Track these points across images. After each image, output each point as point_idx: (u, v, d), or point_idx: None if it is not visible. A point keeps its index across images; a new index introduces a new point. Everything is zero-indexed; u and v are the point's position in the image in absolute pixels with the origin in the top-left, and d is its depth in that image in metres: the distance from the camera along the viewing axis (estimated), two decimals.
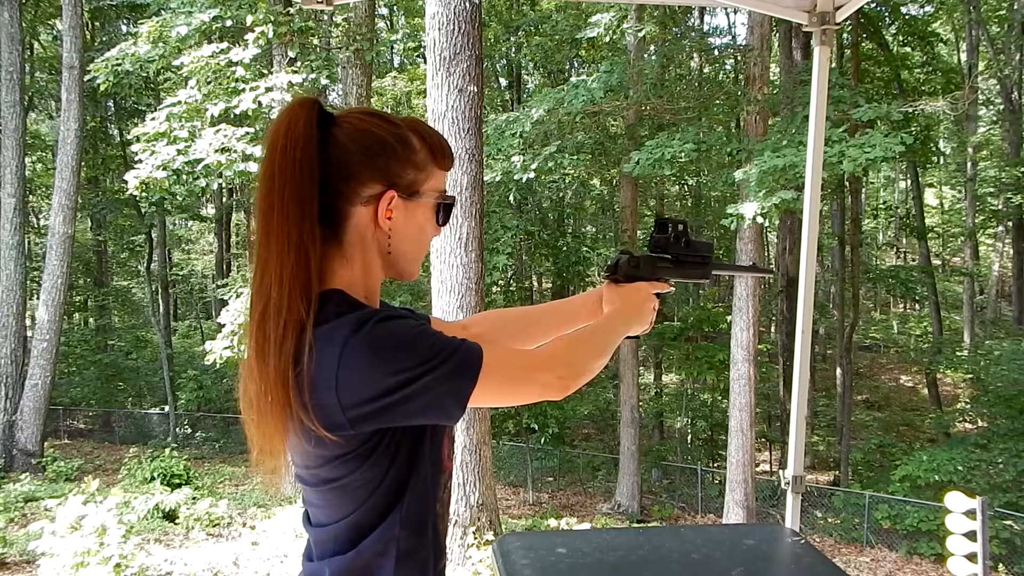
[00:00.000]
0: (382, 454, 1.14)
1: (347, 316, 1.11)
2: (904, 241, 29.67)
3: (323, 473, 1.16)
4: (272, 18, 10.69)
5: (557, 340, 1.30)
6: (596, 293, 1.59)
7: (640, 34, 13.90)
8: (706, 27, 20.98)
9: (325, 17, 12.47)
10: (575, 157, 13.46)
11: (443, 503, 1.27)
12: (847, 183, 16.89)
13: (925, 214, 23.07)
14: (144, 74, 13.63)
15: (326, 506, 1.20)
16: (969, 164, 21.28)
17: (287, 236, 1.11)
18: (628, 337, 1.49)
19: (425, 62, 7.87)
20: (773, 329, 19.89)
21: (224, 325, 10.86)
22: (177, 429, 19.34)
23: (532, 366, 1.21)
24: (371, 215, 1.19)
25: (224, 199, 24.66)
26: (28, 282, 17.40)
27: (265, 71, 11.60)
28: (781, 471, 2.88)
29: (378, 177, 1.18)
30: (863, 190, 23.72)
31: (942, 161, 24.56)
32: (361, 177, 1.17)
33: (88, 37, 19.07)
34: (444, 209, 1.26)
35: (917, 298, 23.94)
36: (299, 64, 11.23)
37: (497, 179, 12.41)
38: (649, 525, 12.95)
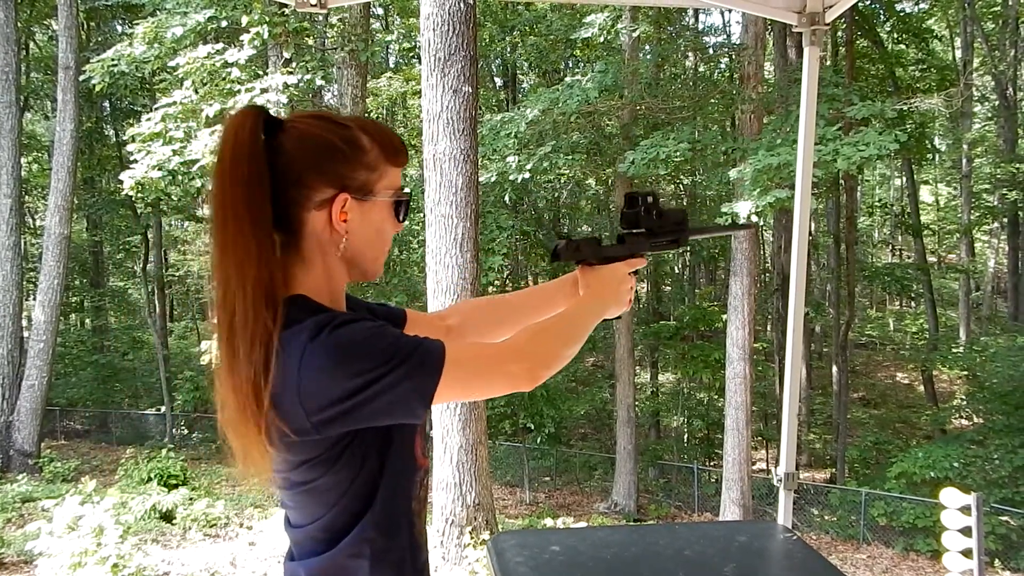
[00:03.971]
0: (351, 457, 1.15)
1: (305, 322, 1.11)
2: (900, 238, 29.74)
3: (294, 477, 1.17)
4: (267, 19, 10.69)
5: (524, 330, 1.28)
6: (571, 277, 1.57)
7: (635, 34, 13.92)
8: (701, 26, 21.02)
9: (320, 18, 12.47)
10: (570, 157, 13.48)
11: (420, 500, 1.27)
12: (842, 181, 16.91)
13: (920, 211, 23.13)
14: (140, 75, 13.64)
15: (299, 508, 1.22)
16: (964, 161, 21.35)
17: (244, 248, 1.11)
18: (606, 319, 1.47)
19: (420, 62, 7.88)
20: (769, 327, 19.93)
21: None
22: (174, 430, 19.32)
23: (498, 358, 1.21)
24: (326, 219, 1.18)
25: None
26: (24, 283, 17.37)
27: (260, 72, 11.60)
28: (774, 468, 2.90)
29: (328, 181, 1.17)
30: (858, 187, 23.78)
31: (937, 158, 24.60)
32: (311, 182, 1.16)
33: (84, 37, 19.03)
34: (402, 206, 1.25)
35: (913, 295, 23.99)
36: (294, 65, 11.24)
37: (492, 179, 12.43)
38: (644, 523, 12.98)
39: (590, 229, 21.41)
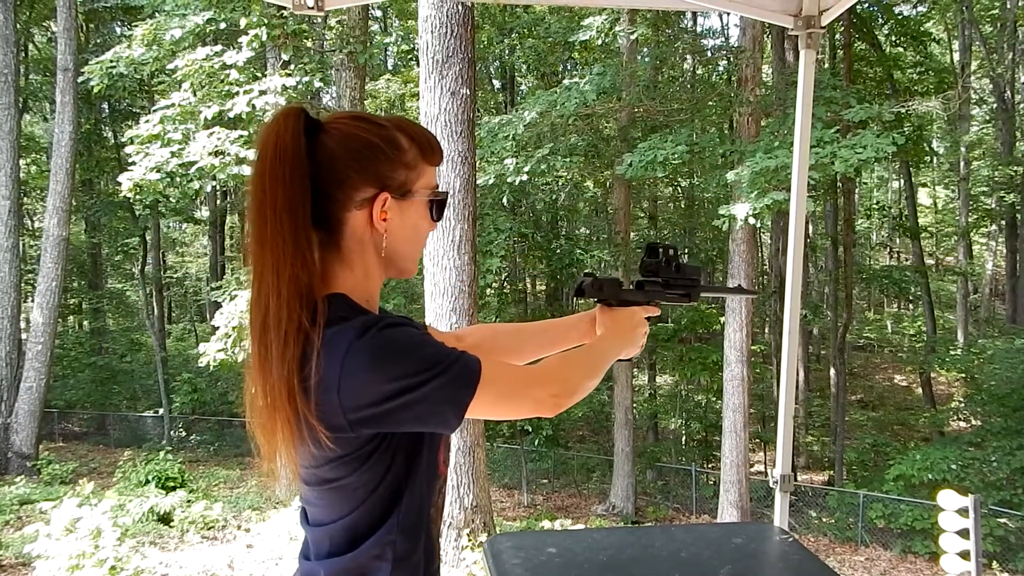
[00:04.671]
0: (380, 457, 1.16)
1: (351, 321, 1.13)
2: (897, 241, 29.77)
3: (322, 473, 1.17)
4: (266, 21, 10.70)
5: (553, 358, 1.33)
6: (588, 316, 1.62)
7: (633, 36, 13.93)
8: (699, 29, 21.07)
9: (318, 20, 12.48)
10: (568, 159, 13.48)
11: (437, 508, 1.29)
12: (840, 183, 16.94)
13: (918, 214, 23.16)
14: (138, 76, 13.64)
15: (324, 506, 1.21)
16: (962, 163, 21.39)
17: (282, 246, 1.12)
18: (619, 360, 1.52)
19: (418, 65, 7.89)
20: (767, 330, 19.93)
21: (218, 328, 10.85)
22: (172, 432, 19.31)
23: (528, 381, 1.24)
24: (366, 218, 1.20)
25: (218, 202, 24.66)
26: (23, 285, 17.36)
27: (259, 74, 11.60)
28: (771, 470, 2.90)
29: (370, 180, 1.18)
30: (856, 190, 23.80)
31: (935, 161, 24.65)
32: (353, 182, 1.18)
33: (82, 39, 19.03)
34: (438, 205, 1.27)
35: (911, 298, 24.01)
36: (293, 67, 11.24)
37: (490, 182, 12.43)
38: (641, 525, 12.98)
39: (588, 232, 21.42)
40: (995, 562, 10.85)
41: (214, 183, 12.34)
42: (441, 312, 6.91)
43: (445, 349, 1.15)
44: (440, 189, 1.28)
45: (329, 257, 1.20)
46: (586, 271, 1.56)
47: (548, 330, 1.65)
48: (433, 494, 1.26)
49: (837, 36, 16.70)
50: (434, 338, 1.18)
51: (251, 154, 10.32)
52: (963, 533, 4.47)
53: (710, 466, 16.94)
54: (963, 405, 17.62)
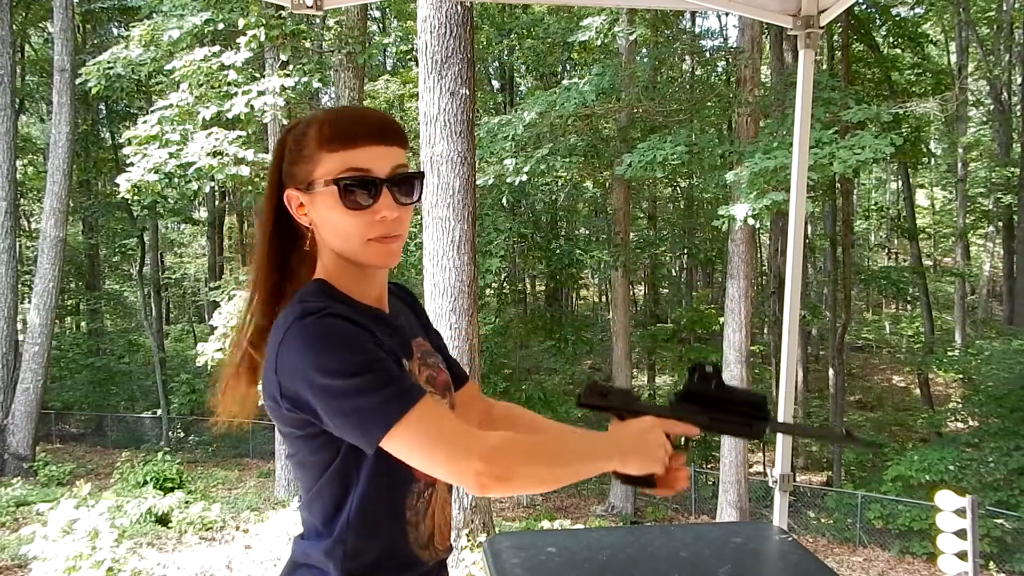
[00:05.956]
0: (326, 442, 1.16)
1: (305, 304, 1.16)
2: (895, 242, 29.81)
3: (287, 445, 1.24)
4: (264, 21, 10.68)
5: (511, 434, 1.18)
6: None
7: (632, 37, 13.94)
8: (697, 30, 21.10)
9: (317, 20, 12.48)
10: (567, 160, 13.49)
11: (418, 512, 1.25)
12: (838, 184, 16.96)
13: (916, 215, 23.17)
14: (136, 77, 13.61)
15: (297, 481, 1.28)
16: (959, 165, 21.39)
17: (259, 244, 1.28)
18: (638, 484, 1.30)
19: (417, 65, 7.88)
20: (766, 330, 19.93)
21: (216, 328, 10.84)
22: (170, 433, 19.29)
23: (463, 443, 1.09)
24: (297, 216, 1.25)
25: (216, 202, 24.63)
26: (19, 286, 17.34)
27: (257, 74, 11.59)
28: (770, 470, 2.90)
29: (285, 181, 1.24)
30: (855, 191, 23.83)
31: (933, 162, 24.69)
32: (284, 184, 1.24)
33: (79, 40, 19.02)
34: (344, 189, 1.16)
35: (908, 299, 24.03)
36: (291, 67, 11.23)
37: (490, 182, 12.44)
38: (640, 525, 12.96)
39: (587, 232, 21.43)
40: (992, 563, 10.85)
41: (212, 184, 12.34)
42: (441, 312, 6.91)
43: (390, 366, 1.11)
44: (354, 170, 1.16)
45: (309, 254, 1.27)
46: (592, 380, 1.31)
47: (561, 432, 1.47)
48: (406, 498, 1.23)
49: (835, 37, 16.72)
50: (381, 352, 1.12)
51: (250, 155, 10.33)
52: (960, 534, 4.48)
53: (709, 466, 16.94)
54: (961, 406, 17.64)
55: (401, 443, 1.09)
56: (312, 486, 1.21)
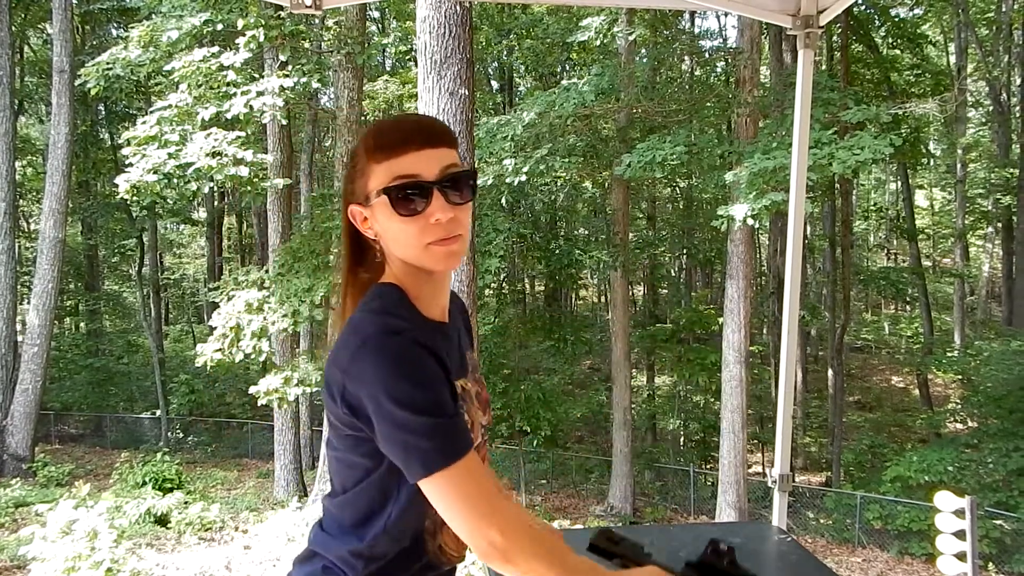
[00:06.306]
0: (373, 450, 1.18)
1: (387, 318, 1.19)
2: (895, 242, 29.84)
3: (332, 438, 1.25)
4: (263, 22, 10.67)
5: (535, 529, 1.17)
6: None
7: (631, 37, 13.94)
8: (697, 30, 21.11)
9: (316, 20, 12.47)
10: (567, 160, 13.48)
11: (436, 521, 1.25)
12: (838, 185, 16.96)
13: (915, 215, 23.18)
14: (135, 78, 13.61)
15: (333, 474, 1.29)
16: (959, 165, 21.41)
17: (341, 260, 1.33)
18: None
19: (416, 65, 7.88)
20: (765, 331, 19.94)
21: (216, 328, 10.83)
22: (169, 433, 19.28)
23: (486, 510, 1.12)
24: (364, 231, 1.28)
25: (215, 203, 24.64)
26: (19, 287, 17.33)
27: (256, 75, 11.58)
28: (769, 470, 2.90)
29: (349, 198, 1.27)
30: (854, 192, 23.85)
31: (932, 163, 24.70)
32: (349, 201, 1.28)
33: (79, 41, 19.01)
34: (395, 197, 1.19)
35: (908, 299, 24.05)
36: (290, 68, 11.22)
37: (489, 182, 12.42)
38: (639, 525, 12.96)
39: (587, 232, 21.42)
40: (991, 564, 10.86)
41: (211, 184, 12.32)
42: None
43: (447, 407, 1.14)
44: (401, 177, 1.19)
45: (378, 266, 1.29)
46: (606, 527, 1.28)
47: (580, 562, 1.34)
48: (428, 507, 1.22)
49: (835, 38, 16.73)
50: (445, 390, 1.16)
51: (248, 155, 10.32)
52: (959, 534, 4.48)
53: (708, 467, 16.95)
54: (959, 407, 17.65)
55: (434, 489, 1.13)
56: (349, 486, 1.24)
